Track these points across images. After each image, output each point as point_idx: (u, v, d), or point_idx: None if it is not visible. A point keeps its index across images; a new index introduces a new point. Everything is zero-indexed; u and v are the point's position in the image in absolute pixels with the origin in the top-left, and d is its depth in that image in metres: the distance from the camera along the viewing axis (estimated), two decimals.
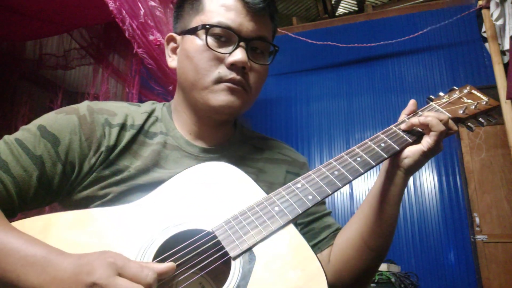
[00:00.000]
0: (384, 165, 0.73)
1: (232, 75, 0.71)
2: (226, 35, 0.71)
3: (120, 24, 2.00)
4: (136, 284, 0.44)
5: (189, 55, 0.73)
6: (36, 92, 3.13)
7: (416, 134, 0.71)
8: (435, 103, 0.78)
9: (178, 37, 0.78)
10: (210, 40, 0.71)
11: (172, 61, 0.80)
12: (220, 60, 0.71)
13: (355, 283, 0.75)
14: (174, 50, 0.80)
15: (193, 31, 0.73)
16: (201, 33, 0.72)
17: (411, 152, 0.68)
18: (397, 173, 0.70)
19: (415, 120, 0.70)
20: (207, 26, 0.70)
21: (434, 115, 0.68)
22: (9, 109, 2.94)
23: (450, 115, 0.73)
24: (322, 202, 0.83)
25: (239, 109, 0.73)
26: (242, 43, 0.71)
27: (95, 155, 0.69)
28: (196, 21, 0.73)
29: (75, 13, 2.47)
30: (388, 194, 0.71)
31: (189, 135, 0.78)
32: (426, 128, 0.69)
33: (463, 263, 3.60)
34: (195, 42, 0.72)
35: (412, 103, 0.75)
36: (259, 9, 0.72)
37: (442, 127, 0.67)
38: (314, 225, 0.81)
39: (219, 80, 0.71)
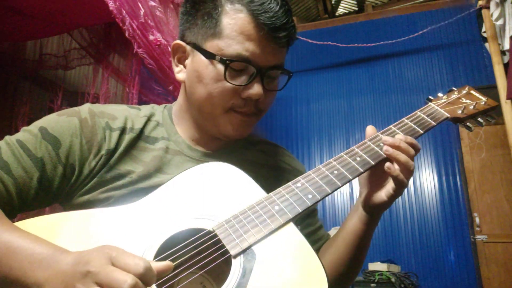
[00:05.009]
0: (356, 205, 0.76)
1: (246, 108, 0.70)
2: (242, 68, 0.68)
3: (120, 24, 2.00)
4: (125, 272, 0.45)
5: (202, 80, 0.69)
6: (36, 92, 3.13)
7: (416, 134, 0.72)
8: (434, 104, 0.78)
9: (187, 48, 0.73)
10: (228, 72, 0.67)
11: (179, 72, 0.75)
12: (234, 91, 0.69)
13: None
14: (181, 60, 0.75)
15: (209, 56, 0.68)
16: (217, 62, 0.68)
17: (374, 200, 0.71)
18: (367, 214, 0.73)
19: (388, 150, 0.68)
20: (227, 61, 0.66)
21: (404, 147, 0.67)
22: (10, 109, 2.94)
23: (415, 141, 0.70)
24: (315, 214, 0.87)
25: (248, 134, 0.76)
26: (258, 75, 0.69)
27: (95, 158, 0.69)
28: (212, 45, 0.68)
29: (75, 13, 2.47)
30: (359, 232, 0.74)
31: (191, 140, 0.78)
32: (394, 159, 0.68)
33: (463, 263, 3.60)
34: (210, 69, 0.68)
35: (370, 128, 0.74)
36: (282, 43, 0.69)
37: (405, 181, 0.66)
38: (309, 239, 0.83)
39: (231, 108, 0.70)
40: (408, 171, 0.66)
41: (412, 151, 0.67)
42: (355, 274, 0.79)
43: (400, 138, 0.68)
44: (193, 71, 0.71)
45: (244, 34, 0.66)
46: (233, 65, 0.67)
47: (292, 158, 0.90)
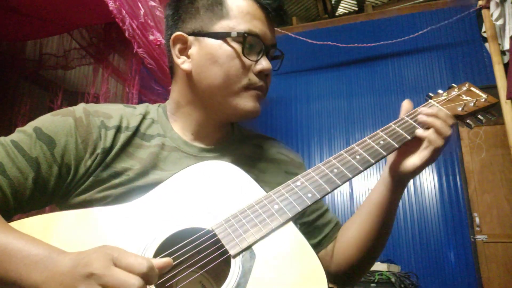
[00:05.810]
0: (383, 173, 0.78)
1: (261, 83, 0.74)
2: (254, 43, 0.72)
3: (120, 24, 2.00)
4: (131, 274, 0.45)
5: (218, 60, 0.72)
6: (36, 92, 3.13)
7: (414, 131, 0.71)
8: (434, 101, 0.78)
9: (190, 38, 0.75)
10: (244, 47, 0.72)
11: (183, 63, 0.75)
12: (248, 67, 0.73)
13: (353, 274, 0.82)
14: (182, 51, 0.76)
15: (221, 36, 0.72)
16: (232, 40, 0.71)
17: (405, 165, 0.71)
18: (394, 182, 0.74)
19: (422, 117, 0.72)
20: (245, 34, 0.70)
21: (442, 115, 0.71)
22: (9, 109, 2.94)
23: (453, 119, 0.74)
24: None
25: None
26: (264, 51, 0.74)
27: (90, 158, 0.69)
28: (222, 26, 0.72)
29: (75, 13, 2.47)
30: (386, 201, 0.75)
31: (190, 135, 0.78)
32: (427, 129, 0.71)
33: (463, 263, 3.60)
34: (224, 48, 0.72)
35: (406, 102, 0.78)
36: (278, 20, 0.76)
37: (440, 142, 0.69)
38: (317, 222, 0.84)
39: (248, 87, 0.73)
40: (444, 137, 0.69)
41: (450, 120, 0.71)
42: (381, 249, 0.80)
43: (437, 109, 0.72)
44: (204, 55, 0.73)
45: (251, 13, 0.72)
46: (248, 40, 0.71)
47: (289, 149, 0.91)
